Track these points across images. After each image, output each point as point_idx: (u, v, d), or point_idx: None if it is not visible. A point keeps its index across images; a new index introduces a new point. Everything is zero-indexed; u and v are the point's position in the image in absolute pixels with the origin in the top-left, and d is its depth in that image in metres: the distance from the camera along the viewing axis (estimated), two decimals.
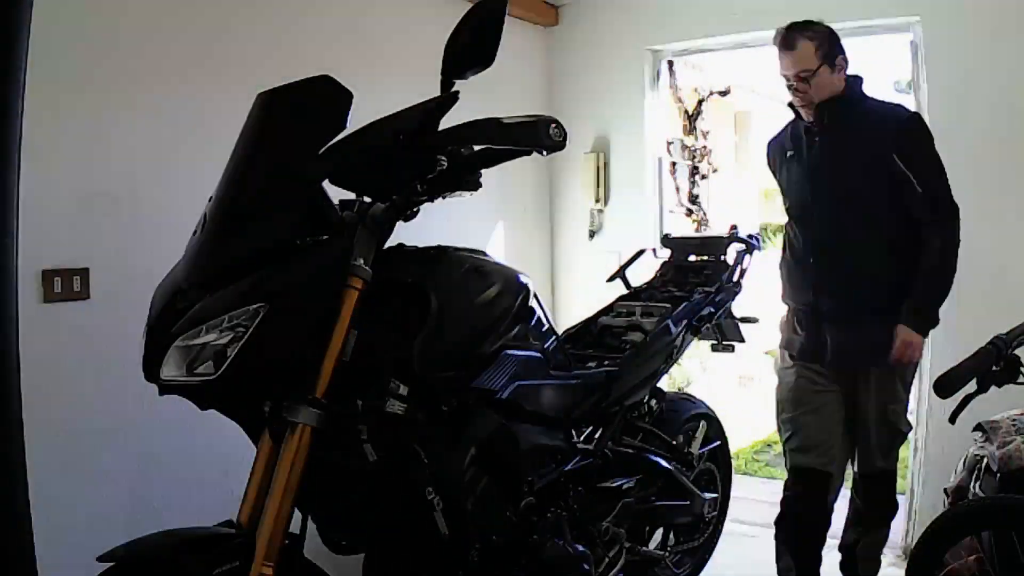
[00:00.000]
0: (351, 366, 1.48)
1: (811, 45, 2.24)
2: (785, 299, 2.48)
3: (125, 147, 2.21)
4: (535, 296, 1.87)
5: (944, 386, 1.72)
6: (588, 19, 3.81)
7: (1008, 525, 1.89)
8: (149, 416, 2.19)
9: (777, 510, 2.46)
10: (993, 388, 1.75)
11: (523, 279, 1.82)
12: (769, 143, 2.56)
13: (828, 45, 2.26)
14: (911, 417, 2.58)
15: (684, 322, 2.42)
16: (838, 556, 2.56)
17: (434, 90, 1.51)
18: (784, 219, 2.52)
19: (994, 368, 1.68)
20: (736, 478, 2.91)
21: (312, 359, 1.45)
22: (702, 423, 2.65)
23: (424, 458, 1.57)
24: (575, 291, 3.83)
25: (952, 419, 1.79)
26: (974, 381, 1.72)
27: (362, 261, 1.49)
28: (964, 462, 2.49)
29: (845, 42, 2.32)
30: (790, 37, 2.26)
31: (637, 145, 3.73)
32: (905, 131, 2.26)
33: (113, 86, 2.18)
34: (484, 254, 1.81)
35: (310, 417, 1.42)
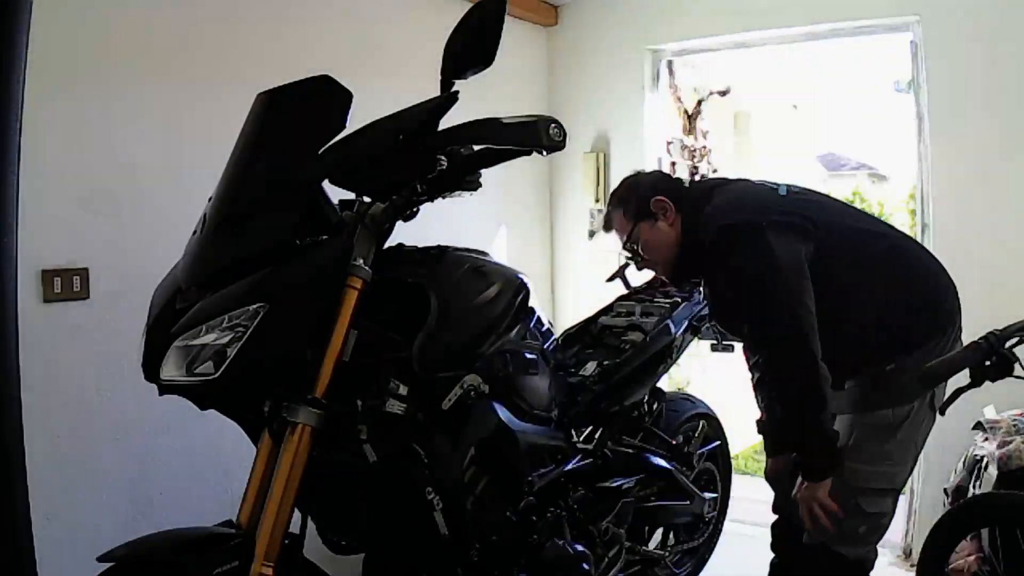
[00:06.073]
0: (351, 366, 1.48)
1: (619, 214, 1.99)
2: None
3: (125, 147, 2.21)
4: (535, 296, 1.87)
5: (927, 377, 1.72)
6: (588, 19, 3.80)
7: (1013, 521, 1.89)
8: (149, 416, 2.20)
9: None
10: (996, 388, 1.75)
11: (523, 279, 1.82)
12: None
13: (636, 201, 1.94)
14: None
15: (684, 322, 2.42)
16: None
17: (434, 90, 1.51)
18: None
19: (987, 363, 1.69)
20: (736, 478, 2.91)
21: (312, 359, 1.45)
22: (702, 423, 2.66)
23: (424, 458, 1.57)
24: (575, 291, 3.83)
25: (942, 411, 1.79)
26: (967, 375, 1.72)
27: (362, 261, 1.50)
28: (964, 462, 2.49)
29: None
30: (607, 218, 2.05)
31: (637, 145, 3.72)
32: (708, 254, 1.85)
33: (113, 86, 2.17)
34: (484, 254, 1.81)
35: (310, 417, 1.42)
